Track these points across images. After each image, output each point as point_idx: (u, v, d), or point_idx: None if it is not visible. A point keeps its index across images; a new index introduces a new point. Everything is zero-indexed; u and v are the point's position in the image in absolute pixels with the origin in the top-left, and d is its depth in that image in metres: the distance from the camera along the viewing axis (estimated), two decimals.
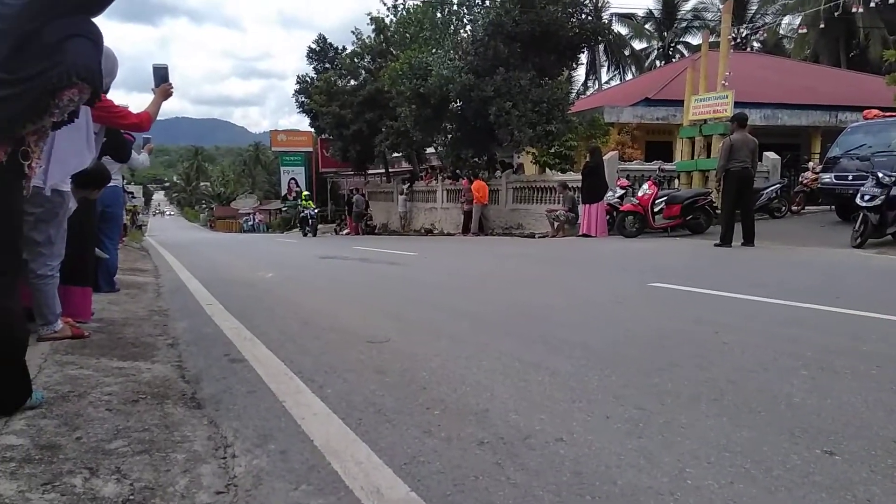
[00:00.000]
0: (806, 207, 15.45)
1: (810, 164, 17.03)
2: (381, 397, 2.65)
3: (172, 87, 3.96)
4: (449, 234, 20.53)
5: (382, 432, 2.25)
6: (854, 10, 21.15)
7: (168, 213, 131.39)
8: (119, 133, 4.25)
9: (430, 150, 26.15)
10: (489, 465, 1.95)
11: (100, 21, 2.20)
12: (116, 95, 3.91)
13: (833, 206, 13.52)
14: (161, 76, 3.90)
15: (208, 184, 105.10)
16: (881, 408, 2.39)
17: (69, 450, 1.99)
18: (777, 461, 1.93)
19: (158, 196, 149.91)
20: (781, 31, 39.68)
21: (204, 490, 1.81)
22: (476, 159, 20.65)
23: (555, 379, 2.87)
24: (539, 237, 15.62)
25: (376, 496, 1.76)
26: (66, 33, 2.06)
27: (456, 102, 19.21)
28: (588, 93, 39.87)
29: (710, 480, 1.82)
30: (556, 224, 15.30)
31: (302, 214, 26.25)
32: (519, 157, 22.20)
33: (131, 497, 1.73)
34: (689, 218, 12.97)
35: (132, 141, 4.76)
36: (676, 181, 15.82)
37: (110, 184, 5.47)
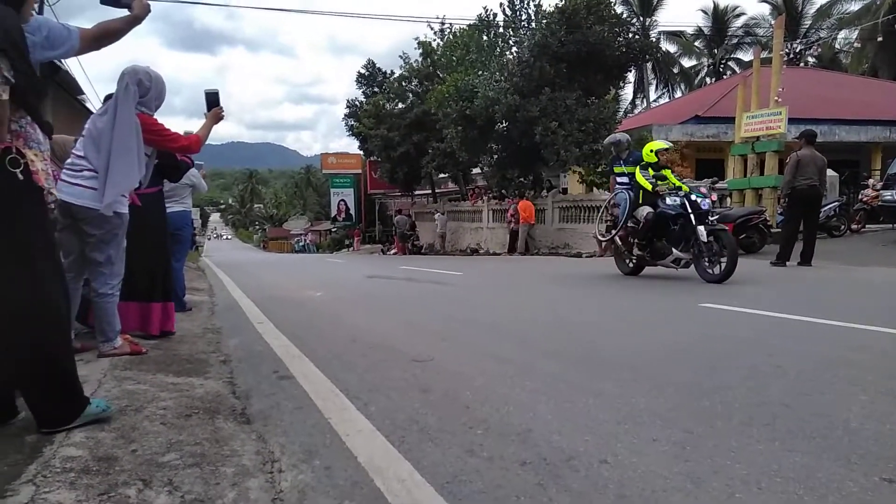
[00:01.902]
0: (866, 226, 14.88)
1: (870, 181, 16.41)
2: (424, 416, 2.67)
3: (223, 111, 4.09)
4: (495, 254, 20.50)
5: (425, 450, 2.26)
6: None
7: (226, 236, 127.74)
8: (174, 155, 4.42)
9: (476, 170, 26.30)
10: (531, 486, 1.94)
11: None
12: (176, 121, 4.08)
13: (895, 224, 12.98)
14: (212, 101, 4.02)
15: (262, 206, 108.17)
16: None
17: (125, 462, 2.07)
18: (832, 488, 1.86)
19: (214, 217, 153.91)
20: (837, 46, 38.58)
21: (251, 503, 1.86)
22: (522, 179, 20.66)
23: (600, 400, 2.83)
24: (586, 256, 15.45)
25: None
26: None
27: (502, 123, 19.31)
28: (636, 111, 39.52)
29: None
30: (602, 244, 15.12)
31: (650, 212, 8.41)
32: (565, 177, 22.09)
33: None
34: (741, 237, 12.62)
35: (189, 164, 4.92)
36: (728, 199, 15.47)
37: (181, 207, 5.72)
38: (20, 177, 2.16)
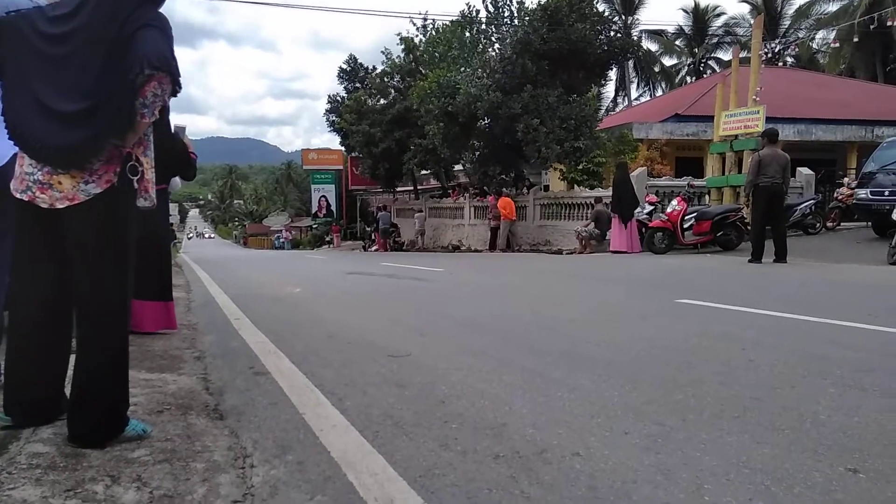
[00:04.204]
0: (841, 223, 15.10)
1: (845, 180, 16.66)
2: (399, 410, 2.67)
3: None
4: (476, 251, 20.54)
5: (399, 445, 2.26)
6: (890, 23, 20.74)
7: (208, 234, 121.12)
8: (187, 153, 4.43)
9: (458, 167, 26.29)
10: (504, 479, 1.95)
11: None
12: None
13: (869, 223, 13.21)
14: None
15: (241, 202, 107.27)
16: None
17: (93, 458, 2.04)
18: (798, 478, 1.89)
19: (192, 213, 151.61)
20: (815, 46, 39.15)
21: (221, 499, 1.84)
22: (503, 176, 20.70)
23: (575, 394, 2.85)
24: (567, 253, 15.54)
25: None
26: (132, 29, 2.00)
27: (484, 120, 19.33)
28: (617, 109, 39.80)
29: (728, 497, 1.79)
30: (582, 241, 15.23)
31: None
32: (547, 175, 22.19)
33: None
34: (719, 234, 12.79)
35: (196, 158, 4.90)
36: (707, 197, 15.64)
37: None
38: (135, 185, 2.15)
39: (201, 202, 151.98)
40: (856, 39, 25.65)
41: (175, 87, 2.09)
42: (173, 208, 38.34)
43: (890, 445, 2.14)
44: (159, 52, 1.99)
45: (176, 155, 4.27)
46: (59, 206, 2.03)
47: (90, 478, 1.89)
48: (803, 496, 1.78)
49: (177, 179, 5.99)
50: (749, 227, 11.77)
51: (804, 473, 1.93)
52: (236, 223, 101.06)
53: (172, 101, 2.22)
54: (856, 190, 13.34)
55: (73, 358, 2.24)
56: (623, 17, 40.65)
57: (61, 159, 2.02)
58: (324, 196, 41.12)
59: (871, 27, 23.81)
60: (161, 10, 2.13)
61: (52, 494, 1.77)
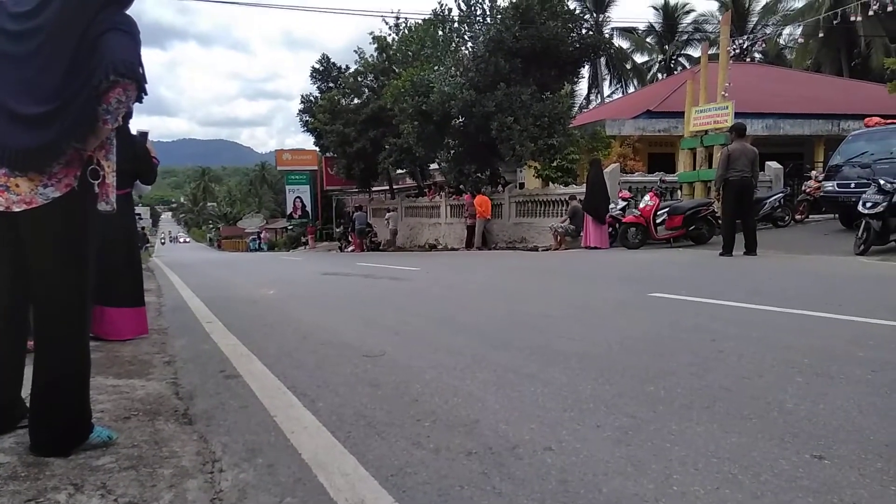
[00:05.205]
0: (809, 216, 15.39)
1: (813, 173, 16.97)
2: (372, 410, 2.65)
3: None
4: (453, 249, 20.54)
5: (371, 445, 2.25)
6: (853, 18, 21.16)
7: (183, 238, 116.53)
8: (149, 158, 4.38)
9: (433, 165, 26.26)
10: (475, 475, 1.94)
11: None
12: None
13: (836, 215, 13.47)
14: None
15: (215, 204, 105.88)
16: (874, 412, 2.37)
17: (56, 467, 2.00)
18: (765, 466, 1.92)
19: (165, 217, 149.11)
20: (782, 42, 39.83)
21: None
22: (479, 174, 20.72)
23: (548, 389, 2.86)
24: (542, 250, 15.61)
25: None
26: (98, 31, 1.94)
27: (458, 118, 19.32)
28: (590, 106, 40.08)
29: (696, 486, 1.80)
30: (557, 237, 15.32)
31: None
32: (522, 172, 22.26)
33: None
34: (691, 228, 12.96)
35: (158, 163, 4.86)
36: (679, 192, 15.82)
37: None
38: (96, 189, 2.10)
39: (174, 205, 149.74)
40: (821, 35, 26.14)
41: (140, 94, 2.04)
42: (145, 212, 37.76)
43: (854, 432, 2.18)
44: (126, 57, 1.94)
45: (137, 158, 4.22)
46: (16, 209, 1.97)
47: (52, 487, 1.85)
48: (769, 483, 1.80)
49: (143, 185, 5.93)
50: (720, 221, 11.95)
51: (771, 461, 1.96)
52: (210, 226, 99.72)
53: (143, 104, 2.17)
54: (823, 183, 13.61)
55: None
56: (594, 14, 40.99)
57: (19, 162, 1.96)
58: (299, 197, 40.76)
59: (835, 22, 24.28)
60: (129, 11, 2.08)
61: None
